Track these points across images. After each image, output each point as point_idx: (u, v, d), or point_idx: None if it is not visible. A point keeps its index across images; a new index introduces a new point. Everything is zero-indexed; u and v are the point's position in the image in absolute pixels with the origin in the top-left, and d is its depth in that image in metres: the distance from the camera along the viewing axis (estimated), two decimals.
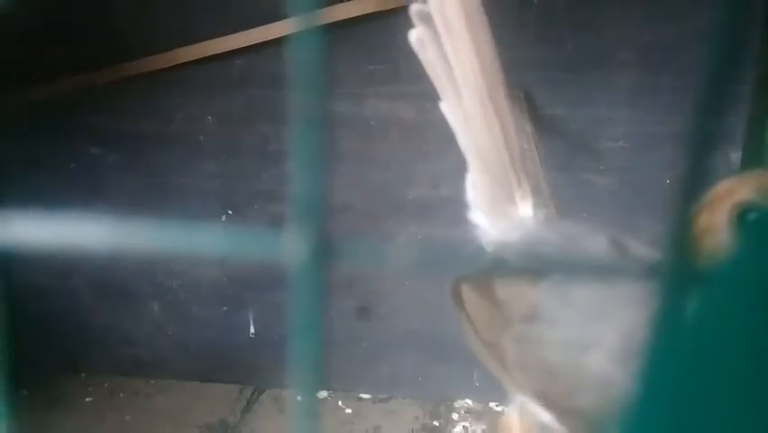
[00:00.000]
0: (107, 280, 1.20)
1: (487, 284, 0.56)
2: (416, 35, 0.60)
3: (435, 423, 1.14)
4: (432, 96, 1.06)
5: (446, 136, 1.08)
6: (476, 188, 0.62)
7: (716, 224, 0.42)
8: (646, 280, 0.16)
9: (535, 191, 0.81)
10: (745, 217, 0.41)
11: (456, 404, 1.17)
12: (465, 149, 0.63)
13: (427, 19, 0.58)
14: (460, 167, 1.07)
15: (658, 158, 1.05)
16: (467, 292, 0.59)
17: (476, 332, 0.57)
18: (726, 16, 0.15)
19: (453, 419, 1.15)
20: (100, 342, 1.23)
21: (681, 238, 0.15)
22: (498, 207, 0.61)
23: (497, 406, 1.14)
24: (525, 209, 0.61)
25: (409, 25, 1.02)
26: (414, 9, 0.59)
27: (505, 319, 0.52)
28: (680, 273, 0.15)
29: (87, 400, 1.20)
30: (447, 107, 0.62)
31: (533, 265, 0.50)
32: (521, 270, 0.51)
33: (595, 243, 0.53)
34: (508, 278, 0.53)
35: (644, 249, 0.52)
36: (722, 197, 0.43)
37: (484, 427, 1.13)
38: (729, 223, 0.42)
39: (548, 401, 0.49)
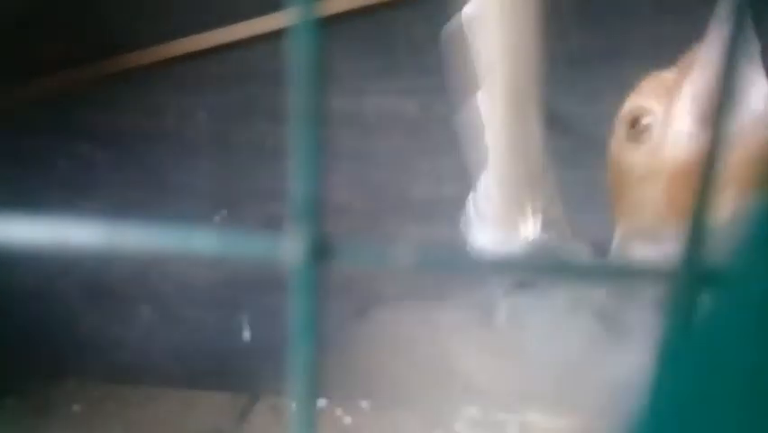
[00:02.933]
0: (97, 283, 1.18)
1: None
2: (466, 12, 0.55)
3: (438, 432, 1.13)
4: (435, 91, 1.06)
5: (450, 133, 1.07)
6: (489, 199, 0.58)
7: (618, 147, 0.44)
8: (654, 279, 0.16)
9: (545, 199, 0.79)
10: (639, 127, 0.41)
11: (459, 413, 1.16)
12: (481, 154, 0.58)
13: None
14: (463, 165, 1.06)
15: None
16: None
17: None
18: (739, 8, 0.14)
19: (456, 429, 1.13)
20: (89, 347, 1.22)
21: (696, 237, 0.15)
22: (506, 222, 0.57)
23: (501, 415, 1.13)
24: (533, 229, 0.58)
25: (412, 18, 1.02)
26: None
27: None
28: (694, 271, 0.15)
29: (75, 407, 1.18)
30: (479, 102, 0.57)
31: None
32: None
33: (578, 252, 0.53)
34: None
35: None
36: (618, 118, 0.43)
37: None
38: (629, 138, 0.42)
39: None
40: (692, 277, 0.15)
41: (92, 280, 1.18)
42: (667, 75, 0.42)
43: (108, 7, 1.05)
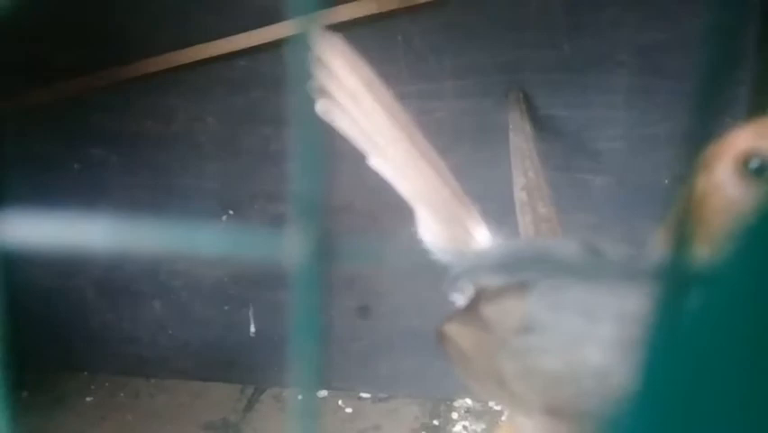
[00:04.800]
0: (109, 280, 1.20)
1: (471, 313, 0.56)
2: (321, 107, 0.60)
3: (435, 422, 1.14)
4: (433, 96, 1.07)
5: (448, 136, 1.09)
6: (431, 231, 0.63)
7: (720, 180, 0.42)
8: (633, 278, 0.17)
9: (531, 193, 0.81)
10: (750, 167, 0.41)
11: (456, 403, 1.17)
12: (408, 197, 0.66)
13: (327, 91, 0.61)
14: (461, 166, 1.08)
15: (656, 158, 1.05)
16: (451, 329, 0.58)
17: (469, 362, 0.56)
18: (723, 17, 0.14)
19: (453, 419, 1.15)
20: (102, 341, 1.24)
21: (680, 236, 0.15)
22: (458, 240, 0.62)
23: (496, 405, 1.14)
24: (483, 235, 0.62)
25: (411, 27, 1.04)
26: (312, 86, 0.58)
27: (497, 339, 0.52)
28: (679, 270, 0.15)
29: (89, 399, 1.20)
30: (377, 164, 0.65)
31: (513, 279, 0.51)
32: (504, 286, 0.52)
33: (566, 248, 0.53)
34: (493, 297, 0.53)
35: (617, 248, 0.52)
36: (722, 151, 0.42)
37: (484, 426, 1.13)
38: (737, 175, 0.41)
39: (556, 411, 0.48)
40: (678, 277, 0.15)
41: (105, 277, 1.20)
42: None
43: (122, 16, 1.07)
